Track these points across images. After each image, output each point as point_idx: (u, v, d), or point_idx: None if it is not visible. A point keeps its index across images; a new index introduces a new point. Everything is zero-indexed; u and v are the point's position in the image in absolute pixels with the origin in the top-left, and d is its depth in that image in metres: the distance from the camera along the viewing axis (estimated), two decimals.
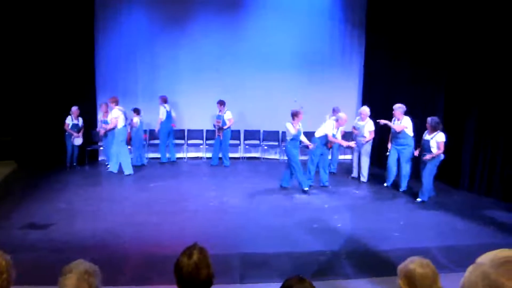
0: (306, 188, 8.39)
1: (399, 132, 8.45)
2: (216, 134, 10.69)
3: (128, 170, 9.45)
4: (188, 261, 2.18)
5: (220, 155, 10.82)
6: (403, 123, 8.44)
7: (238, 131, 11.13)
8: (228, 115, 10.49)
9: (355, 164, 9.59)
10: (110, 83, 10.87)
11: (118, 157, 9.45)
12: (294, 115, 8.25)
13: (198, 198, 8.01)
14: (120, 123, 9.37)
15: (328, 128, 8.51)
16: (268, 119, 11.17)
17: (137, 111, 10.19)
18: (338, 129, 8.70)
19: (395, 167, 8.69)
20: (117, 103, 9.43)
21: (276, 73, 10.93)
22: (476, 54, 8.29)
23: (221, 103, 10.46)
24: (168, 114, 10.53)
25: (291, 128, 8.22)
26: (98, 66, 10.76)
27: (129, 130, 9.94)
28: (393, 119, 8.60)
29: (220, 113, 10.54)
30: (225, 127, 10.49)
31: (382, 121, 8.56)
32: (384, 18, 10.27)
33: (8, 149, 10.25)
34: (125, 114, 9.52)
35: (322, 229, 6.59)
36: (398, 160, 8.65)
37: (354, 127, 9.41)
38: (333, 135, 8.59)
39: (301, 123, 8.42)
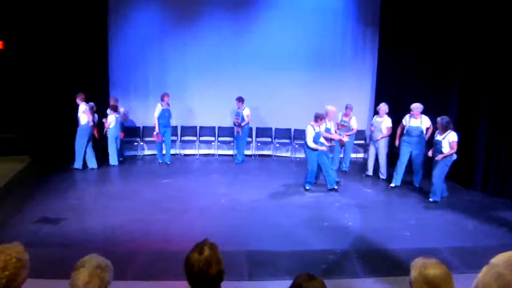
0: (308, 188, 8.40)
1: (415, 131, 8.44)
2: (235, 131, 10.71)
3: (77, 164, 9.62)
4: (199, 257, 2.19)
5: (235, 152, 10.89)
6: (423, 123, 8.42)
7: (251, 129, 11.11)
8: (246, 112, 10.46)
9: (370, 162, 9.55)
10: (122, 79, 10.94)
11: (80, 153, 9.62)
12: (318, 117, 8.12)
13: (207, 195, 8.03)
14: (83, 119, 9.45)
15: (309, 133, 8.12)
16: (280, 117, 11.16)
17: (114, 108, 9.94)
18: (330, 122, 8.64)
19: (404, 168, 8.64)
20: (83, 99, 9.51)
21: (288, 71, 10.89)
22: (489, 52, 8.18)
23: (240, 99, 10.43)
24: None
25: (310, 131, 8.08)
26: (111, 63, 10.82)
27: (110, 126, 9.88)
28: (409, 117, 8.55)
29: (238, 110, 10.54)
30: (243, 124, 10.47)
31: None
32: (397, 16, 10.15)
33: (22, 144, 10.38)
34: (90, 110, 9.55)
35: (332, 227, 6.57)
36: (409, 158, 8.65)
37: (372, 124, 9.36)
38: (327, 130, 8.46)
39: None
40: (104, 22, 10.51)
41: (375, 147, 9.32)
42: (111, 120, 9.85)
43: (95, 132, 9.85)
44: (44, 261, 4.83)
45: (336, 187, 8.39)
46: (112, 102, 10.15)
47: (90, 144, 9.73)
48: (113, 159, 10.05)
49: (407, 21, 9.87)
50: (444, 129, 7.57)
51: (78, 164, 9.63)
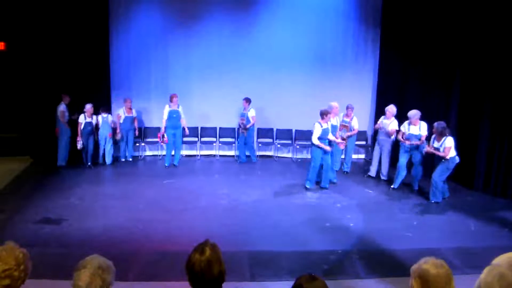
0: (308, 186, 8.48)
1: (415, 138, 8.33)
2: (241, 131, 10.66)
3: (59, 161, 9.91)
4: (201, 257, 2.19)
5: (248, 153, 10.85)
6: (422, 130, 8.30)
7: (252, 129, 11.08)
8: (251, 113, 10.41)
9: (374, 163, 9.46)
10: (124, 80, 10.91)
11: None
12: (323, 114, 8.19)
13: (209, 195, 8.03)
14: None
15: (316, 130, 8.23)
16: (281, 118, 11.13)
17: (104, 110, 10.00)
18: (335, 118, 8.79)
19: (405, 170, 8.59)
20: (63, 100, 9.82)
21: (289, 72, 10.86)
22: (491, 52, 8.17)
23: (247, 100, 10.37)
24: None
25: (317, 128, 8.15)
26: (112, 64, 10.80)
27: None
28: (407, 124, 8.46)
29: (244, 111, 10.49)
30: (248, 126, 10.41)
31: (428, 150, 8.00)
32: (399, 16, 10.15)
33: (23, 145, 10.39)
34: (64, 112, 9.75)
35: (334, 228, 6.58)
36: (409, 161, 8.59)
37: (379, 125, 9.22)
38: (332, 127, 8.55)
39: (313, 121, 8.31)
40: (105, 23, 10.48)
41: (380, 148, 9.27)
42: (98, 121, 10.00)
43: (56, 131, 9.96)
44: (45, 262, 4.84)
45: (327, 187, 8.50)
46: (126, 103, 10.25)
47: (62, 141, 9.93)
48: (108, 158, 10.14)
49: (408, 21, 9.86)
50: (440, 135, 7.55)
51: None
